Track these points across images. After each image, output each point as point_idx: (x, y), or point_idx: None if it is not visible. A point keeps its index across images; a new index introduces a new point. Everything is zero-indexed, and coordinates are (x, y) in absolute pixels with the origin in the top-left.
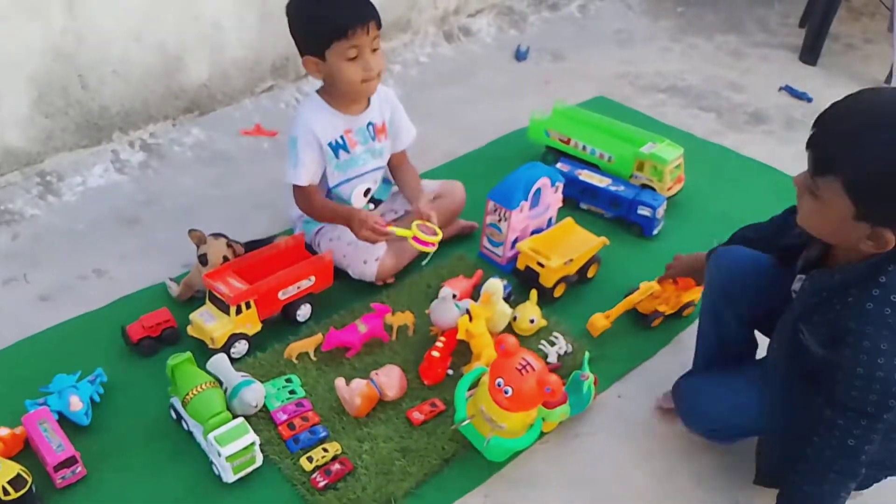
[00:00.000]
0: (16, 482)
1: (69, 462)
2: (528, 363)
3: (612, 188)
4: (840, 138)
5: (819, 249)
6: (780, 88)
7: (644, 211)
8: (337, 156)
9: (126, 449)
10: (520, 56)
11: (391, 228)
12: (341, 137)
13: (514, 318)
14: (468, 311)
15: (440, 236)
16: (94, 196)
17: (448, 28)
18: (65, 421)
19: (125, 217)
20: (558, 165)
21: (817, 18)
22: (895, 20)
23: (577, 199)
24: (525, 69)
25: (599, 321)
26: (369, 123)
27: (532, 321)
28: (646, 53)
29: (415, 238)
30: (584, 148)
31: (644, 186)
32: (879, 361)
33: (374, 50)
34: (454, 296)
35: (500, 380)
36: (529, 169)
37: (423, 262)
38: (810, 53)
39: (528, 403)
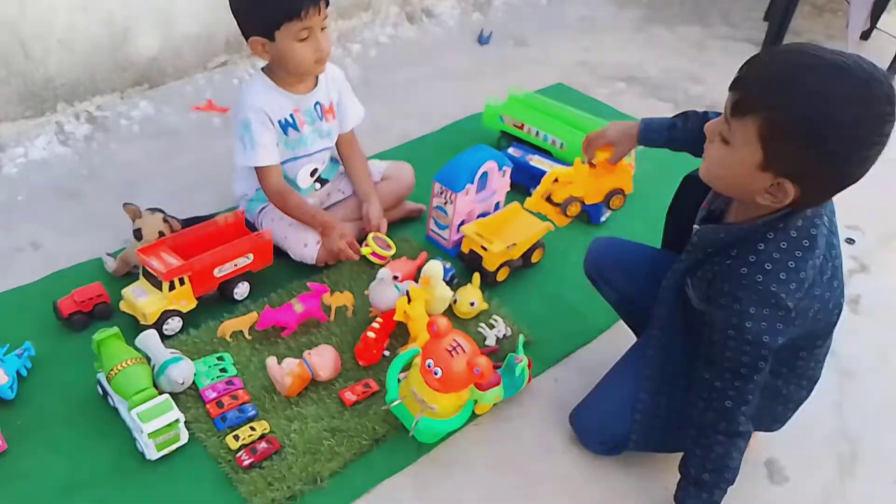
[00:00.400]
0: None
1: None
2: (459, 344)
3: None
4: (765, 81)
5: (723, 204)
6: None
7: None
8: (286, 133)
9: (50, 424)
10: (482, 40)
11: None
12: (291, 116)
13: (455, 301)
14: (407, 293)
15: (394, 250)
16: (36, 168)
17: (410, 9)
18: None
19: (66, 190)
20: (510, 150)
21: (778, 12)
22: (850, 17)
23: (528, 186)
24: (487, 53)
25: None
26: (316, 103)
27: (472, 304)
28: (608, 42)
29: (373, 254)
30: (537, 134)
31: None
32: (747, 325)
33: (323, 29)
34: (396, 277)
35: (430, 361)
36: (476, 152)
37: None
38: (772, 46)
39: (457, 385)
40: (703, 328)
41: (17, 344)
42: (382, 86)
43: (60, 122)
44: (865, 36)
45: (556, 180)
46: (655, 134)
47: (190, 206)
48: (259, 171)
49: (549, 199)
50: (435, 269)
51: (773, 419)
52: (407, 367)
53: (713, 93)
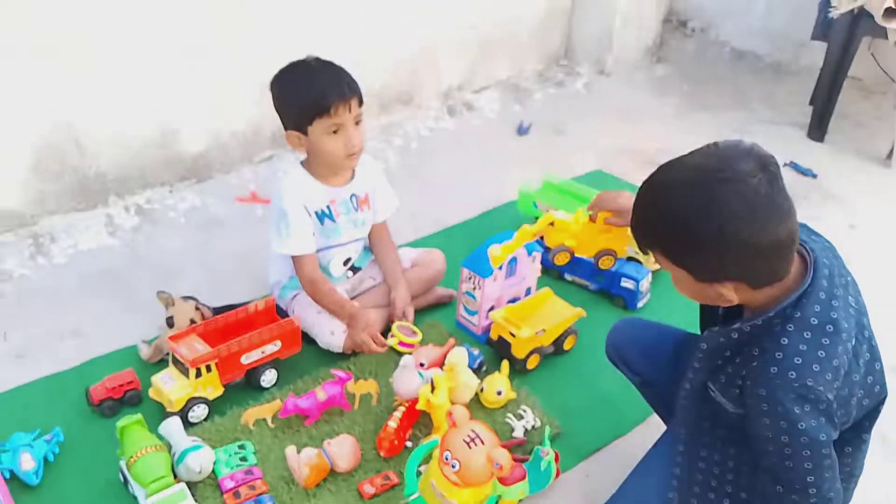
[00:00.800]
0: None
1: None
2: (477, 435)
3: None
4: (634, 218)
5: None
6: (785, 164)
7: (627, 283)
8: (322, 223)
9: None
10: (521, 131)
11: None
12: (328, 207)
13: (482, 390)
14: (431, 381)
15: (420, 336)
16: (84, 258)
17: (452, 103)
18: (16, 479)
19: (111, 279)
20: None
21: (822, 95)
22: None
23: (561, 271)
24: (525, 143)
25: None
26: (352, 195)
27: (499, 393)
28: (648, 129)
29: (399, 343)
30: None
31: (630, 259)
32: (800, 427)
33: (357, 123)
34: (422, 364)
35: (447, 453)
36: (505, 237)
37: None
38: (817, 130)
39: (475, 479)
40: (751, 441)
41: (48, 429)
42: (421, 175)
43: (111, 215)
44: None
45: (552, 223)
46: None
47: (227, 294)
48: (295, 259)
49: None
50: (459, 356)
51: None
52: (427, 459)
53: None
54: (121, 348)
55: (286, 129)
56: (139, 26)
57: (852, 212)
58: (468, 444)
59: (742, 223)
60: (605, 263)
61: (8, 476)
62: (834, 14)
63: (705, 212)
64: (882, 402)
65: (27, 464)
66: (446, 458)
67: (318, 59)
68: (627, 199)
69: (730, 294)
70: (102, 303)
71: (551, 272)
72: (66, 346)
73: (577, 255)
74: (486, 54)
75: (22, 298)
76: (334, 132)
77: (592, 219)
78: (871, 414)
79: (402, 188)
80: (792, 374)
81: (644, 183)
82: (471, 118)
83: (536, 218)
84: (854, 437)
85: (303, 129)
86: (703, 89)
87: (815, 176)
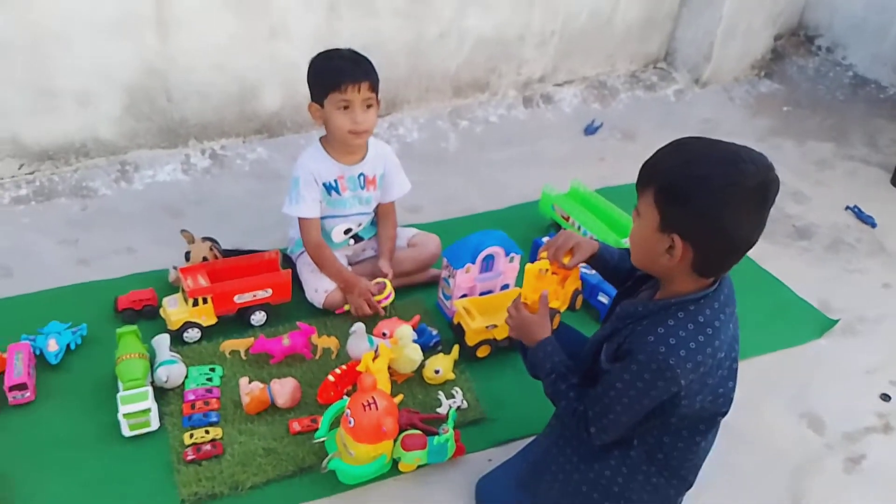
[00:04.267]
0: None
1: (21, 386)
2: (374, 401)
3: (583, 270)
4: (658, 157)
5: (651, 291)
6: (847, 208)
7: (603, 298)
8: (329, 194)
9: (73, 390)
10: (588, 131)
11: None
12: (335, 181)
13: (423, 366)
14: (377, 349)
15: (385, 293)
16: (158, 188)
17: (530, 94)
18: (43, 357)
19: (173, 209)
20: (544, 239)
21: None
22: None
23: None
24: (588, 143)
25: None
26: (361, 174)
27: (437, 372)
28: None
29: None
30: (578, 227)
31: None
32: (631, 393)
33: (369, 107)
34: (384, 334)
35: (348, 410)
36: (484, 236)
37: (382, 313)
38: None
39: (365, 436)
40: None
41: (78, 323)
42: (473, 161)
43: (188, 155)
44: None
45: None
46: (609, 253)
47: (262, 241)
48: (300, 221)
49: None
50: (405, 332)
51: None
52: None
53: (810, 215)
54: (159, 268)
55: (311, 100)
56: None
57: (894, 271)
58: (364, 407)
59: (741, 206)
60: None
61: (38, 353)
62: None
63: (724, 171)
64: (722, 414)
65: (52, 347)
66: (347, 415)
67: (350, 50)
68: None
69: (677, 253)
70: (159, 228)
71: None
72: (119, 260)
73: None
74: (574, 48)
75: (99, 213)
76: (344, 108)
77: (555, 265)
78: (708, 420)
79: (448, 171)
80: (661, 349)
81: (687, 143)
82: (546, 111)
83: (552, 220)
84: (690, 430)
85: (320, 102)
86: (804, 114)
87: (874, 225)
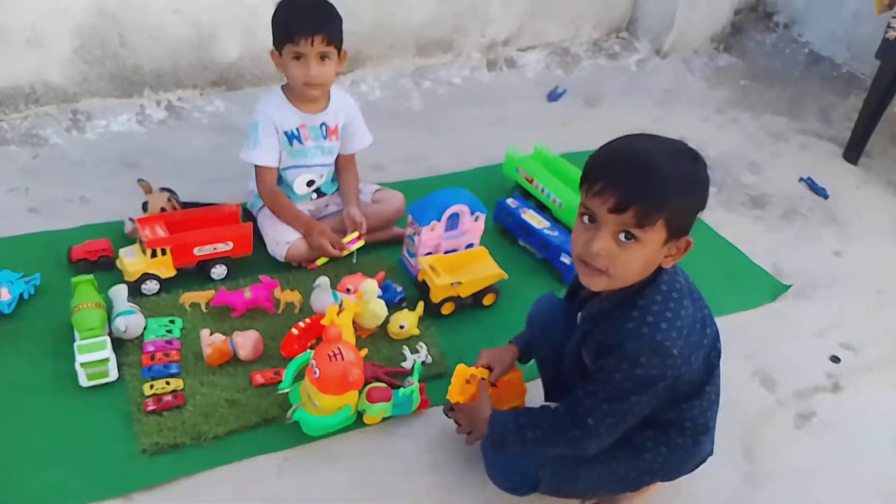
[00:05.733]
0: None
1: None
2: (340, 352)
3: (546, 231)
4: (657, 185)
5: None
6: (801, 179)
7: (565, 259)
8: (290, 144)
9: (26, 339)
10: (552, 97)
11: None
12: (297, 129)
13: (388, 321)
14: (341, 303)
15: (352, 237)
16: (111, 139)
17: (494, 57)
18: None
19: (128, 161)
20: (508, 200)
21: (865, 116)
22: None
23: (517, 235)
24: (552, 109)
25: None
26: (322, 123)
27: (402, 327)
28: (681, 117)
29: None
30: (542, 190)
31: None
32: (637, 372)
33: (323, 59)
34: (348, 290)
35: (314, 361)
36: (450, 193)
37: (353, 261)
38: (853, 152)
39: (330, 387)
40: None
41: (31, 273)
42: (437, 122)
43: (143, 105)
44: None
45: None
46: (523, 340)
47: (219, 194)
48: (257, 169)
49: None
50: (369, 286)
51: (676, 470)
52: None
53: (765, 185)
54: (114, 220)
55: (273, 46)
56: None
57: (845, 239)
58: (331, 357)
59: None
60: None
61: None
62: (890, 35)
63: (705, 174)
64: (717, 361)
65: (3, 296)
66: (312, 365)
67: None
68: (487, 355)
69: (683, 247)
70: (113, 180)
71: (507, 234)
72: (72, 210)
73: None
74: (539, 12)
75: (50, 162)
76: (298, 59)
77: (496, 387)
78: (708, 370)
79: (414, 130)
80: (644, 330)
81: (667, 148)
82: (509, 75)
83: (516, 182)
84: (697, 390)
85: (279, 50)
86: (760, 87)
87: (826, 197)
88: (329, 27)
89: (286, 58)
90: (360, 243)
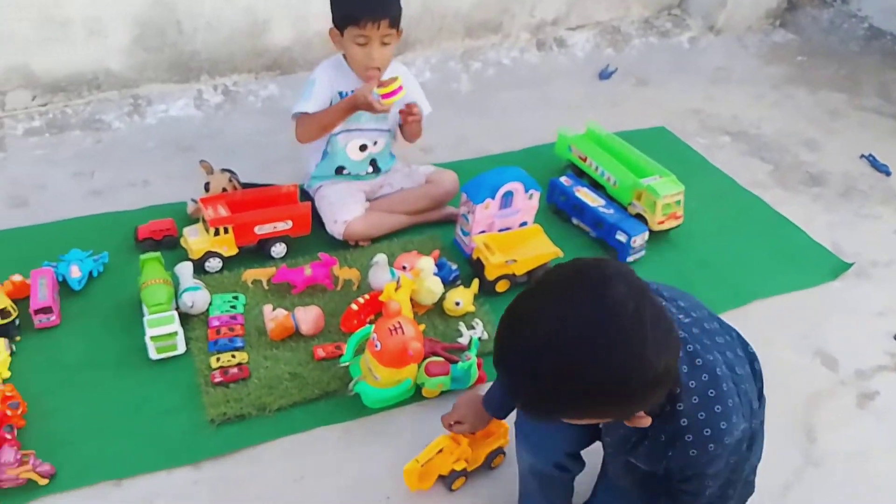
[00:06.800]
0: (2, 313)
1: (46, 310)
2: (401, 326)
3: (601, 209)
4: (545, 395)
5: None
6: (862, 156)
7: (620, 236)
8: None
9: (96, 314)
10: (603, 76)
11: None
12: (352, 91)
13: (444, 298)
14: (398, 280)
15: (395, 86)
16: (170, 123)
17: (543, 37)
18: (65, 283)
19: (185, 144)
20: (562, 179)
21: None
22: None
23: (570, 214)
24: (602, 88)
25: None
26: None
27: (458, 304)
28: (735, 95)
29: (384, 96)
30: (596, 168)
31: (638, 216)
32: (728, 476)
33: (385, 44)
34: (404, 267)
35: (375, 335)
36: (503, 171)
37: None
38: None
39: (391, 360)
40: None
41: (99, 252)
42: (485, 102)
43: (201, 90)
44: None
45: (440, 451)
46: (495, 399)
47: (272, 175)
48: (299, 118)
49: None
50: (426, 264)
51: None
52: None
53: (823, 162)
54: (174, 202)
55: (332, 24)
56: None
57: None
58: (391, 331)
59: (661, 356)
60: (498, 461)
61: (61, 279)
62: None
63: (632, 365)
64: (762, 416)
65: (74, 273)
66: (373, 339)
67: None
68: (463, 407)
69: (645, 419)
70: (173, 162)
71: (560, 213)
72: (135, 192)
73: (469, 470)
74: None
75: (113, 147)
76: (362, 43)
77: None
78: (756, 430)
79: (462, 111)
80: (711, 447)
81: (527, 346)
82: (558, 55)
83: (569, 161)
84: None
85: (341, 31)
86: (818, 63)
87: (888, 174)
88: (394, 11)
89: (348, 39)
90: (399, 95)
